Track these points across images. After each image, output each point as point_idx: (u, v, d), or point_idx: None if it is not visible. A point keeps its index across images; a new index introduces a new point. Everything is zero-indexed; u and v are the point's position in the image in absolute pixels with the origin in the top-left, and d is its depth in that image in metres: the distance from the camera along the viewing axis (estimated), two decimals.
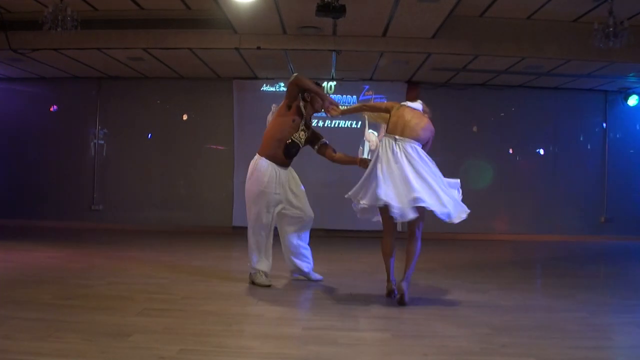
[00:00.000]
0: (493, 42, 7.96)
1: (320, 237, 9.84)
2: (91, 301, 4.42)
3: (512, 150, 10.64)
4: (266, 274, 5.20)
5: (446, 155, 10.53)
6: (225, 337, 3.52)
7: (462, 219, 4.70)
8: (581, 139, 10.69)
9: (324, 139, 5.49)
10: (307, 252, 5.49)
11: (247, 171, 5.26)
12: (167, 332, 3.57)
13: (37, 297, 4.53)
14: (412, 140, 4.64)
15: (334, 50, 8.31)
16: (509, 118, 10.62)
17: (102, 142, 10.73)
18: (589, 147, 10.68)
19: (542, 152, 10.65)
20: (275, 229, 5.33)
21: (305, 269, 5.49)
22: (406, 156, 4.53)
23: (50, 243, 8.09)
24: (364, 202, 4.64)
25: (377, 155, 4.71)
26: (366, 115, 5.41)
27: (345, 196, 4.87)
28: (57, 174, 10.63)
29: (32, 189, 10.61)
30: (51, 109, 10.82)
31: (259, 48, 8.05)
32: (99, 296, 4.60)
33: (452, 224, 4.68)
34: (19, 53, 8.37)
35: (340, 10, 6.36)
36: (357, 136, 10.39)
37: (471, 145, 10.51)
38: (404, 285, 4.56)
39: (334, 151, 5.52)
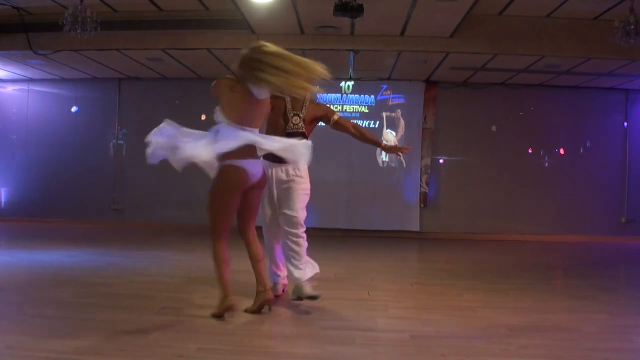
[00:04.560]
0: (512, 40, 7.90)
1: (336, 237, 9.86)
2: (110, 300, 4.46)
3: (532, 150, 10.55)
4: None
5: (465, 154, 10.51)
6: (243, 336, 3.53)
7: None
8: (602, 138, 10.56)
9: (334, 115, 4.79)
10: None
11: None
12: (185, 330, 3.59)
13: (57, 295, 4.58)
14: None
15: (352, 50, 8.30)
16: (528, 117, 10.53)
17: (122, 142, 10.84)
18: (609, 146, 10.55)
19: (561, 151, 10.54)
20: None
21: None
22: None
23: (71, 242, 8.19)
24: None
25: None
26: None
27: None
28: (78, 173, 10.73)
29: (53, 188, 10.73)
30: (72, 110, 10.93)
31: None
32: (118, 295, 4.64)
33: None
34: (39, 54, 8.48)
35: (358, 10, 6.35)
36: (375, 135, 10.32)
37: (490, 144, 10.45)
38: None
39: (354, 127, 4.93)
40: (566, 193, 10.39)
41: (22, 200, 10.82)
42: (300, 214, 4.56)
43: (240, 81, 3.91)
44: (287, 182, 4.56)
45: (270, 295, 4.12)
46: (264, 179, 4.15)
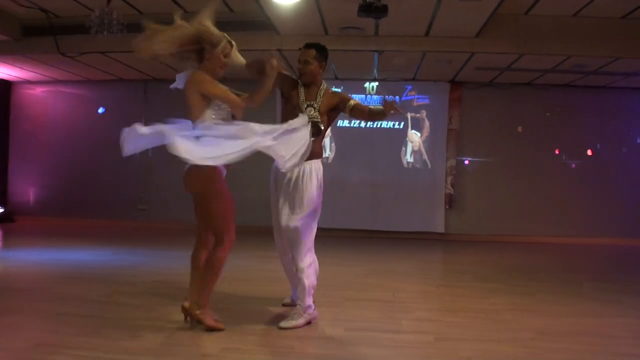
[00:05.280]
0: (538, 40, 7.80)
1: (361, 238, 9.86)
2: (136, 299, 4.51)
3: (559, 151, 10.41)
4: None
5: (490, 155, 10.42)
6: (267, 337, 3.54)
7: None
8: (630, 139, 10.39)
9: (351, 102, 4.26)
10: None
11: None
12: (209, 331, 3.61)
13: (85, 293, 4.65)
14: None
15: (376, 51, 8.28)
16: (555, 118, 10.39)
17: None
18: (638, 147, 10.37)
19: (589, 152, 10.40)
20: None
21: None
22: None
23: (98, 241, 8.29)
24: None
25: None
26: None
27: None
28: (104, 173, 10.86)
29: (80, 188, 10.88)
30: (99, 111, 11.08)
31: (279, 50, 8.05)
32: (144, 294, 4.69)
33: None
34: (67, 56, 8.60)
35: (383, 10, 6.33)
36: (400, 137, 10.33)
37: (516, 145, 10.34)
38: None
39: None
40: (593, 195, 10.24)
41: (50, 199, 11.00)
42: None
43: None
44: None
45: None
46: None
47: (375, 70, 9.60)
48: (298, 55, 4.25)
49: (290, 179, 4.00)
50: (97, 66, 9.58)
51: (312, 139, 3.84)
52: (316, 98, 4.19)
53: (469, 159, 10.47)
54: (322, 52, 4.27)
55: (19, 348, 3.15)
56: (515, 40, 7.84)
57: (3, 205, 10.87)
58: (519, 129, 10.41)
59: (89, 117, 11.03)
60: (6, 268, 6.05)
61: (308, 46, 4.25)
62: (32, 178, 11.11)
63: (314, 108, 4.16)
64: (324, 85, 4.26)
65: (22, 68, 9.87)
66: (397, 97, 10.37)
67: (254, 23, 7.76)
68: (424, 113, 10.33)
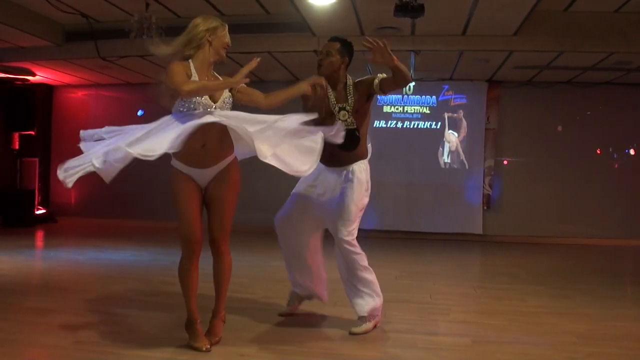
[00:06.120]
0: (578, 37, 7.64)
1: (398, 239, 9.81)
2: (175, 299, 4.56)
3: (600, 151, 10.19)
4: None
5: (529, 155, 10.26)
6: (304, 337, 3.55)
7: None
8: None
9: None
10: None
11: None
12: (247, 330, 3.64)
13: (123, 293, 4.74)
14: None
15: (413, 51, 8.23)
16: (596, 117, 10.17)
17: None
18: None
19: (632, 152, 10.15)
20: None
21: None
22: None
23: (137, 242, 8.45)
24: None
25: None
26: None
27: None
28: (143, 175, 11.00)
29: (120, 189, 11.05)
30: (138, 113, 11.26)
31: (314, 52, 8.05)
32: (180, 294, 4.73)
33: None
34: (107, 60, 8.76)
35: (419, 10, 6.29)
36: (437, 137, 10.25)
37: (555, 145, 10.15)
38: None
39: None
40: (637, 195, 9.98)
41: (90, 200, 11.22)
42: None
43: None
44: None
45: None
46: None
47: (412, 71, 9.55)
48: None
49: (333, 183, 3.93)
50: (136, 69, 9.75)
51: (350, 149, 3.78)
52: (347, 99, 3.90)
53: (508, 159, 10.33)
54: (346, 46, 3.96)
55: (60, 345, 3.22)
56: (555, 37, 7.70)
57: (45, 206, 11.16)
58: (559, 128, 10.22)
59: (128, 119, 11.04)
60: (48, 268, 6.21)
61: (333, 39, 3.99)
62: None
63: (347, 111, 3.88)
64: (350, 80, 3.95)
65: (63, 72, 10.11)
66: (434, 96, 10.29)
67: (290, 25, 7.80)
68: (461, 113, 10.23)
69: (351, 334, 3.67)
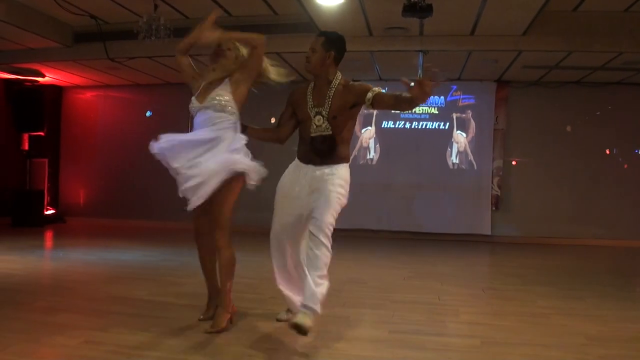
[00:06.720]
0: (588, 37, 7.61)
1: (405, 240, 9.79)
2: (183, 298, 4.57)
3: (609, 151, 10.13)
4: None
5: (538, 156, 10.21)
6: (313, 339, 3.53)
7: None
8: None
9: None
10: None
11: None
12: (255, 330, 3.64)
13: (132, 292, 4.74)
14: None
15: (421, 51, 8.21)
16: (605, 117, 10.11)
17: None
18: None
19: None
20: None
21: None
22: None
23: (146, 241, 8.47)
24: None
25: None
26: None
27: None
28: (152, 175, 11.03)
29: (129, 190, 11.13)
30: (146, 114, 11.30)
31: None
32: (190, 294, 4.74)
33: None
34: (116, 61, 8.80)
35: (427, 10, 6.28)
36: (445, 137, 10.23)
37: (564, 145, 10.10)
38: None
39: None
40: None
41: (99, 200, 11.29)
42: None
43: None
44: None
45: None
46: None
47: (420, 71, 9.52)
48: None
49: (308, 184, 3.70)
50: (145, 70, 9.79)
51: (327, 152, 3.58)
52: (325, 102, 3.61)
53: (516, 159, 10.29)
54: (331, 40, 3.65)
55: (69, 345, 3.23)
56: (564, 37, 7.67)
57: (54, 207, 11.21)
58: (568, 128, 10.17)
59: (137, 120, 11.26)
60: (57, 267, 6.24)
61: (320, 34, 3.75)
62: (82, 180, 11.42)
63: (323, 116, 3.60)
64: (338, 80, 3.65)
65: (72, 73, 10.17)
66: (442, 97, 10.27)
67: (298, 25, 7.80)
68: (469, 113, 10.20)
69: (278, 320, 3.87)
